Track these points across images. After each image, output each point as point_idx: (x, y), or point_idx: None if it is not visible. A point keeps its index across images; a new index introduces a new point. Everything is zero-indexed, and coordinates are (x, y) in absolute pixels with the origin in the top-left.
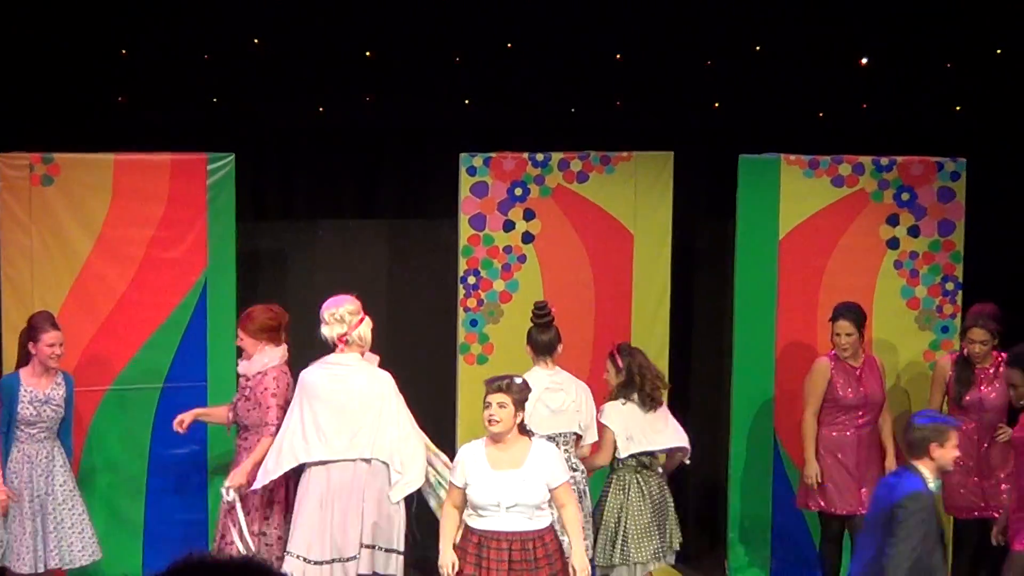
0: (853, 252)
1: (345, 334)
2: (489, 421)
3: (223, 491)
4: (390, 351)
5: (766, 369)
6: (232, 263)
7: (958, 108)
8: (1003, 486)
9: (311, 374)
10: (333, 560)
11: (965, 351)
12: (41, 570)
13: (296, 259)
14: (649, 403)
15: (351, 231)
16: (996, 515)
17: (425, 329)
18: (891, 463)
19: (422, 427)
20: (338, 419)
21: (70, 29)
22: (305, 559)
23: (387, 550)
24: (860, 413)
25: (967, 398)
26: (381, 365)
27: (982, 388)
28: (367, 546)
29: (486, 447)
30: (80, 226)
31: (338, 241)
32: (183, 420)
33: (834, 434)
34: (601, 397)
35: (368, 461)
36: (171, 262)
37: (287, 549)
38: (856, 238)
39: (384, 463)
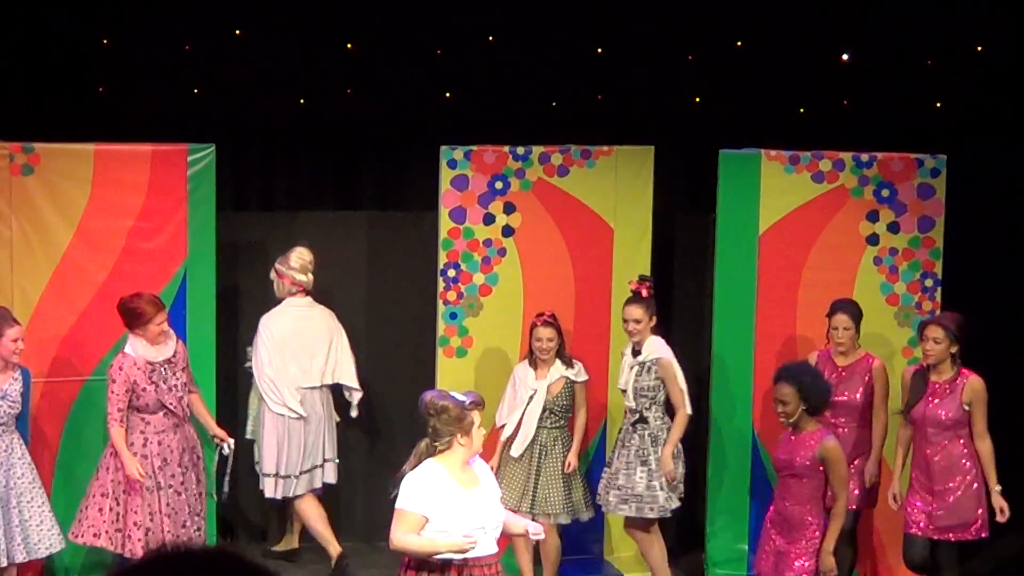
0: (833, 248)
1: (310, 282)
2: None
3: (225, 445)
4: (370, 343)
5: (745, 364)
6: (212, 254)
7: (938, 105)
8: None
9: (277, 318)
10: (312, 468)
11: (922, 355)
12: (4, 564)
13: (276, 250)
14: None
15: (331, 223)
16: (938, 537)
17: (405, 322)
18: (872, 468)
19: (400, 420)
20: (308, 352)
21: (51, 19)
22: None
23: (335, 462)
24: (833, 411)
25: (913, 411)
26: (362, 358)
27: (931, 402)
28: (328, 460)
29: (449, 469)
30: (60, 216)
31: (318, 233)
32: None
33: None
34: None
35: (326, 386)
36: (151, 252)
37: (265, 471)
38: (836, 234)
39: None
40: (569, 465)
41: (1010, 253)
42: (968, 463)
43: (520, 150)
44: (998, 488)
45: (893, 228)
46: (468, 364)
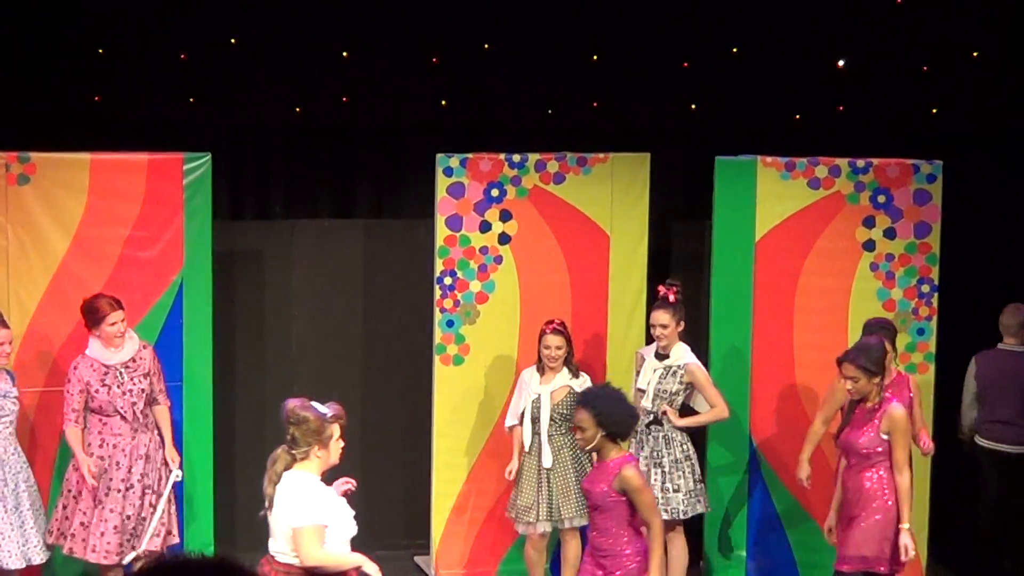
0: (829, 254)
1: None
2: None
3: (178, 472)
4: (366, 351)
5: (742, 371)
6: (208, 263)
7: (934, 111)
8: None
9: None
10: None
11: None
12: (24, 565)
13: (272, 259)
14: None
15: (327, 231)
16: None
17: (401, 330)
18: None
19: (397, 427)
20: None
21: (46, 28)
22: None
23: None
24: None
25: (840, 437)
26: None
27: (853, 430)
28: None
29: (319, 477)
30: (56, 225)
31: (314, 241)
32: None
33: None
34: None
35: None
36: (147, 262)
37: None
38: (832, 240)
39: None
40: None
41: (1006, 258)
42: (882, 494)
43: (516, 157)
44: (906, 526)
45: (889, 234)
46: (465, 372)
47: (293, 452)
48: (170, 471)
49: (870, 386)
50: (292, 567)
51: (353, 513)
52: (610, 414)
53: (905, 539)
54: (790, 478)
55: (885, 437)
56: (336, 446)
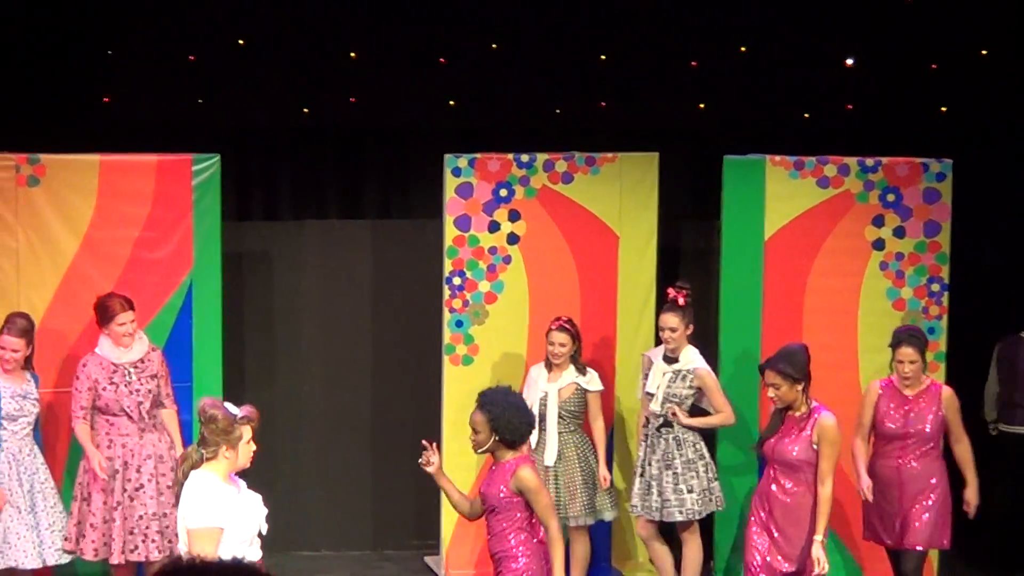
0: (839, 253)
1: None
2: None
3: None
4: (375, 352)
5: (751, 371)
6: (218, 264)
7: (944, 109)
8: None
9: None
10: None
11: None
12: (40, 565)
13: (281, 260)
14: None
15: (336, 232)
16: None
17: (410, 330)
18: (971, 495)
19: (406, 428)
20: None
21: (55, 30)
22: None
23: None
24: (903, 444)
25: (764, 446)
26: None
27: (782, 439)
28: None
29: (219, 477)
30: (66, 227)
31: (323, 242)
32: None
33: (879, 463)
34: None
35: None
36: (156, 263)
37: None
38: (842, 239)
39: None
40: (605, 480)
41: (1016, 257)
42: (807, 507)
43: (524, 157)
44: (820, 538)
45: (899, 233)
46: (474, 372)
47: (201, 451)
48: None
49: (793, 393)
50: None
51: (266, 512)
52: (505, 420)
53: (817, 551)
54: None
55: (816, 447)
56: (246, 448)
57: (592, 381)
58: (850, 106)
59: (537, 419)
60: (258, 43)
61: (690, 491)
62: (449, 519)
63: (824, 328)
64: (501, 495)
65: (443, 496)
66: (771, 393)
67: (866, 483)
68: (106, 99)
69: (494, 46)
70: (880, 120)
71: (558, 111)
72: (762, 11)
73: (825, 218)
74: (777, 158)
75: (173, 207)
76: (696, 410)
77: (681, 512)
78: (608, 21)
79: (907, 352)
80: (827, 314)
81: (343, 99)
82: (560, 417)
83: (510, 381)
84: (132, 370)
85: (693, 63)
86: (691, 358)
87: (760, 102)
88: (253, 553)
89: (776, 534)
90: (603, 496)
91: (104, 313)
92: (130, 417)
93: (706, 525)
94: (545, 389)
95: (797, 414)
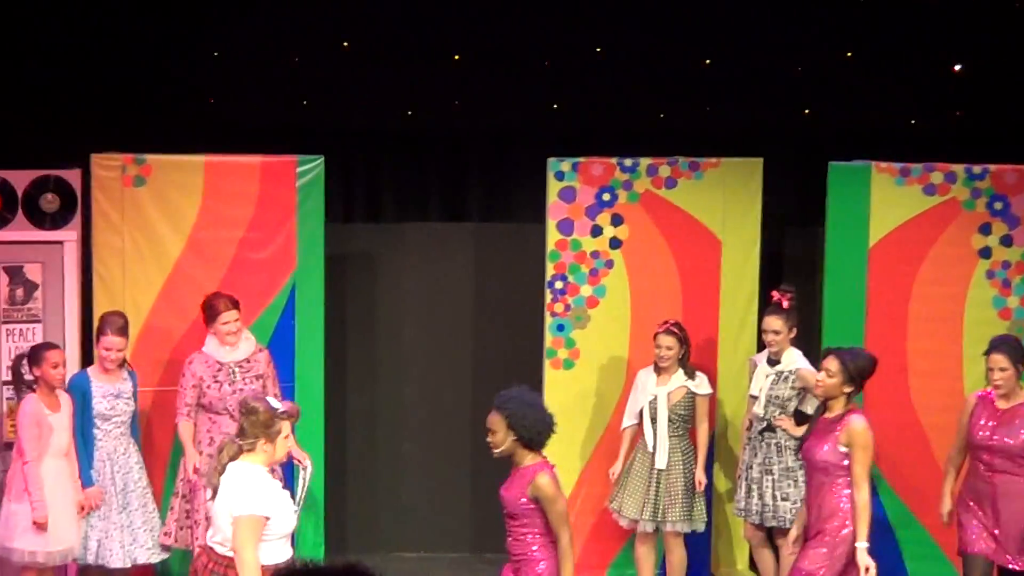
0: (944, 261)
1: None
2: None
3: (302, 468)
4: (476, 355)
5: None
6: (320, 265)
7: None
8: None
9: None
10: None
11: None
12: (129, 564)
13: (384, 262)
14: None
15: (438, 235)
16: None
17: (511, 334)
18: None
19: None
20: None
21: (162, 32)
22: None
23: None
24: (993, 459)
25: (803, 448)
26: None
27: (815, 439)
28: None
29: (266, 470)
30: (171, 227)
31: (425, 244)
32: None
33: (972, 477)
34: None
35: None
36: (260, 263)
37: None
38: (947, 247)
39: None
40: (700, 484)
41: None
42: (844, 509)
43: (628, 162)
44: (863, 545)
45: (1006, 241)
46: (575, 376)
47: (240, 443)
48: (304, 468)
49: (838, 390)
50: (232, 560)
51: (295, 509)
52: (521, 418)
53: (865, 559)
54: (901, 484)
55: (844, 450)
56: (283, 443)
57: (701, 385)
58: (958, 112)
59: (649, 421)
60: (363, 45)
61: (784, 499)
62: None
63: (929, 336)
64: (521, 502)
65: None
66: (820, 375)
67: (945, 507)
68: (211, 100)
69: (598, 50)
70: (988, 127)
71: (662, 115)
72: (868, 16)
73: (931, 226)
74: (883, 165)
75: (277, 208)
76: (797, 413)
77: (775, 519)
78: (713, 25)
79: (997, 359)
80: (932, 322)
81: (447, 102)
82: (669, 420)
83: (612, 385)
84: (237, 369)
85: (798, 68)
86: (793, 359)
87: (866, 108)
88: (286, 550)
89: (810, 537)
90: (700, 506)
91: (210, 312)
92: (232, 416)
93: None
94: (654, 392)
95: (831, 416)
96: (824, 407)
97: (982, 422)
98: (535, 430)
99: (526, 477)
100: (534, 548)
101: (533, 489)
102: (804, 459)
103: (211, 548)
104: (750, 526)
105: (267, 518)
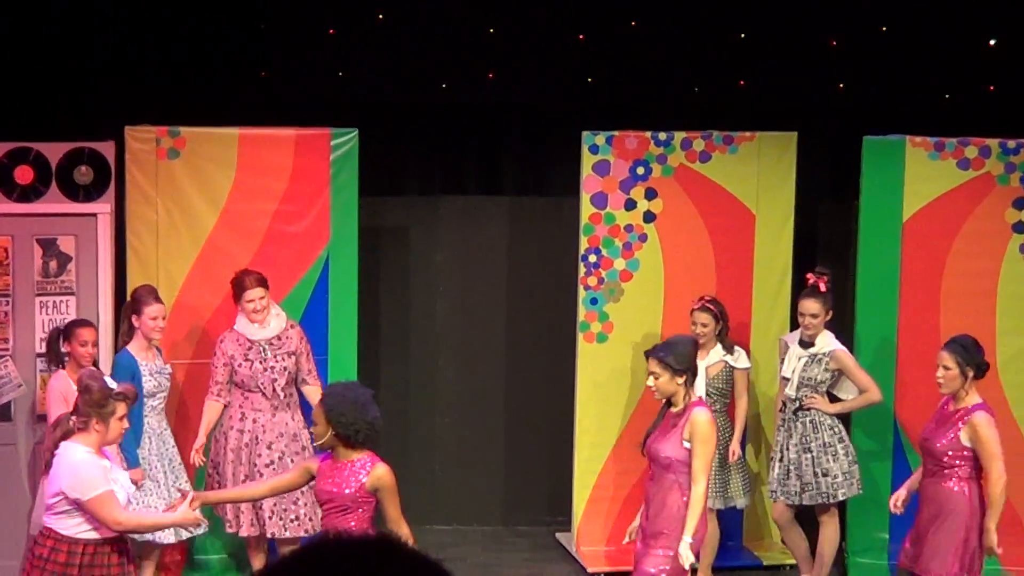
0: (978, 236)
1: None
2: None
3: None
4: (510, 328)
5: (888, 352)
6: (354, 238)
7: None
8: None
9: None
10: None
11: None
12: (174, 540)
13: (418, 235)
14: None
15: (472, 208)
16: None
17: (545, 307)
18: (990, 527)
19: (540, 405)
20: None
21: (198, 5)
22: None
23: None
24: (926, 459)
25: (646, 443)
26: (502, 344)
27: (659, 437)
28: None
29: (89, 449)
30: (205, 199)
31: (459, 218)
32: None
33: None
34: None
35: None
36: (294, 236)
37: None
38: (981, 221)
39: None
40: (733, 454)
41: None
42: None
43: (662, 136)
44: (688, 539)
45: None
46: (608, 350)
47: (73, 420)
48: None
49: (673, 385)
50: (52, 531)
51: (133, 491)
52: (339, 415)
53: (682, 549)
54: None
55: (687, 445)
56: (117, 424)
57: (740, 359)
58: (992, 87)
59: None
60: (397, 18)
61: (825, 474)
62: (581, 496)
63: (962, 311)
64: (351, 492)
65: (575, 473)
66: (650, 382)
67: (895, 496)
68: (248, 74)
69: (633, 23)
70: (1023, 101)
71: (696, 89)
72: None
73: (965, 200)
74: (917, 139)
75: (311, 181)
76: (830, 396)
77: (820, 495)
78: (747, 0)
79: (942, 355)
80: (965, 297)
81: (481, 75)
82: (707, 395)
83: (641, 360)
84: (267, 347)
85: (833, 43)
86: (827, 341)
87: (900, 82)
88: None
89: (646, 535)
90: (736, 482)
91: (237, 288)
92: (264, 394)
93: (839, 507)
94: None
95: (675, 410)
96: (669, 403)
97: (931, 422)
98: (353, 428)
99: (358, 470)
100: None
101: (374, 480)
102: (648, 456)
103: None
104: (779, 506)
105: (111, 490)
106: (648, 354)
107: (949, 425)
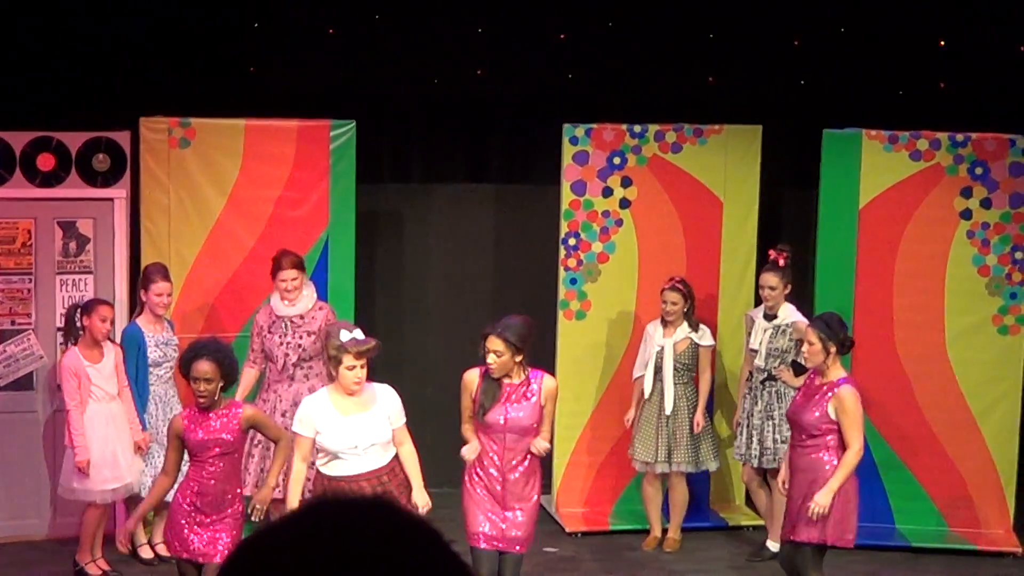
0: (928, 222)
1: None
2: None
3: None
4: (496, 306)
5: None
6: (352, 223)
7: None
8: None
9: None
10: None
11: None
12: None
13: (410, 220)
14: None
15: (461, 195)
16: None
17: (529, 287)
18: (832, 487)
19: None
20: None
21: (206, 4)
22: None
23: None
24: (792, 432)
25: (487, 416)
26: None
27: (509, 405)
28: None
29: (332, 395)
30: (213, 186)
31: (449, 204)
32: None
33: None
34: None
35: None
36: (296, 220)
37: None
38: (931, 209)
39: None
40: (698, 425)
41: None
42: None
43: (637, 128)
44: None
45: (986, 204)
46: (586, 326)
47: (330, 369)
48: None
49: (512, 363)
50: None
51: (362, 444)
52: (227, 366)
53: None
54: (888, 430)
55: (544, 407)
56: (346, 374)
57: (704, 336)
58: (942, 84)
59: (654, 371)
60: (392, 18)
61: (783, 442)
62: (560, 462)
63: (913, 291)
64: (229, 437)
65: (554, 440)
66: (491, 360)
67: (780, 478)
68: (252, 69)
69: (610, 25)
70: (970, 97)
71: (669, 85)
72: None
73: (917, 189)
74: (873, 132)
75: (312, 169)
76: (794, 364)
77: (775, 460)
78: (717, 3)
79: (808, 331)
80: (917, 278)
81: (470, 71)
82: (674, 369)
83: (620, 335)
84: (289, 324)
85: (796, 42)
86: (788, 313)
87: (858, 80)
88: (359, 463)
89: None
90: (707, 448)
91: (274, 266)
92: (277, 367)
93: None
94: (661, 344)
95: (517, 381)
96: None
97: (799, 395)
98: (231, 379)
99: (235, 414)
100: (233, 488)
101: (247, 421)
102: (493, 425)
103: None
104: (748, 469)
105: (312, 439)
106: (488, 333)
107: (817, 398)
